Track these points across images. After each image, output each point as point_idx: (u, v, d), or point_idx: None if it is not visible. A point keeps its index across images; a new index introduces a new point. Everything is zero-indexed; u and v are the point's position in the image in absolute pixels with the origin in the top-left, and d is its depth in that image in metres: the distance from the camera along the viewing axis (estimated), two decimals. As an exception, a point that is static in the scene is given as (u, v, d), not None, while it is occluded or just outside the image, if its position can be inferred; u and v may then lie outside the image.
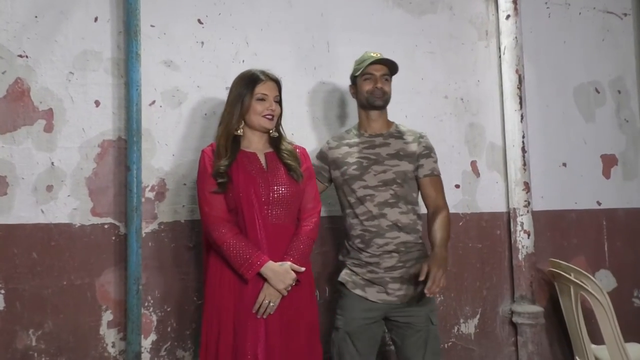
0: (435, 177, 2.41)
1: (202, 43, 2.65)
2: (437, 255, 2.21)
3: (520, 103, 3.23)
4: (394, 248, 2.31)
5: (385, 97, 2.40)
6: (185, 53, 2.61)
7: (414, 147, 2.39)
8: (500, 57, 3.32)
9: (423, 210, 2.45)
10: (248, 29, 2.74)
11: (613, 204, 3.58)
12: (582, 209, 3.48)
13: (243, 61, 2.70)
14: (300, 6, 2.87)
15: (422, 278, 2.13)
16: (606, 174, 3.60)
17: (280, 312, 2.06)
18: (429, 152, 2.41)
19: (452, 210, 3.06)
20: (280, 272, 2.05)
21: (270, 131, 2.21)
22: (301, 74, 2.81)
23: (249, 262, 2.03)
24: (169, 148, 2.55)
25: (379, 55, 2.41)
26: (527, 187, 3.20)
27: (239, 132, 2.17)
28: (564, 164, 3.48)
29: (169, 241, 2.51)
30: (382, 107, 2.41)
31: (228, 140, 2.15)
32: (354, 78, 2.45)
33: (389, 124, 2.47)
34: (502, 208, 3.27)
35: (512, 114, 3.24)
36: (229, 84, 2.62)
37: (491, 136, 3.29)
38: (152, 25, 2.56)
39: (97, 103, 2.44)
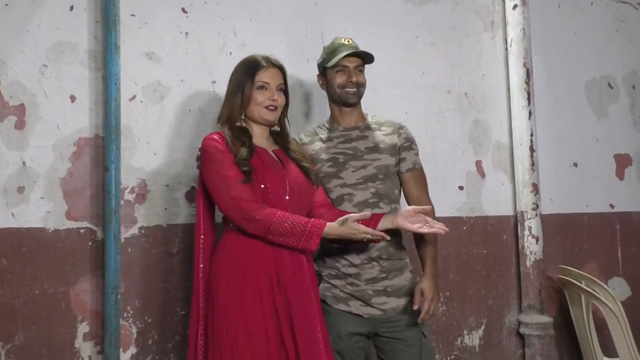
0: (418, 170, 2.36)
1: (187, 34, 2.64)
2: (430, 280, 2.22)
3: (529, 99, 3.25)
4: (375, 255, 2.25)
5: (360, 92, 2.34)
6: (168, 44, 2.60)
7: (394, 139, 2.34)
8: (506, 49, 3.33)
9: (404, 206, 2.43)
10: (236, 19, 2.73)
11: (627, 206, 3.60)
12: (594, 212, 3.50)
13: (230, 53, 2.70)
14: (293, -6, 2.87)
15: (415, 307, 2.18)
16: (620, 174, 3.61)
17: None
18: (410, 144, 2.36)
19: (454, 214, 3.09)
20: (345, 228, 1.97)
21: (275, 125, 2.17)
22: (294, 67, 2.80)
23: (308, 230, 1.93)
24: (151, 147, 2.54)
25: (350, 42, 2.35)
26: (535, 188, 3.21)
27: (241, 123, 2.11)
28: (575, 164, 3.50)
29: (149, 247, 2.50)
30: (356, 104, 2.37)
31: (235, 132, 2.08)
32: (323, 68, 2.36)
33: (364, 115, 2.42)
34: (508, 211, 3.28)
35: (520, 111, 3.25)
36: (215, 78, 2.66)
37: (497, 134, 3.30)
38: (132, 15, 2.54)
39: (72, 98, 2.43)
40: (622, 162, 3.63)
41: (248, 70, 2.12)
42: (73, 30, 2.44)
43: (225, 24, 2.71)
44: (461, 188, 3.18)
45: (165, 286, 2.51)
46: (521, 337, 3.17)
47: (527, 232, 3.19)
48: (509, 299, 3.22)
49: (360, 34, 2.90)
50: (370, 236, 2.01)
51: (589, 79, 3.58)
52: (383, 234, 2.02)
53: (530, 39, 3.28)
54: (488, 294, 3.18)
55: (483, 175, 3.24)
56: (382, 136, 2.35)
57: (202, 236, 2.13)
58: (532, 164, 3.22)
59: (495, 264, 3.22)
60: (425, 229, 2.07)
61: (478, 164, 3.23)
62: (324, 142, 2.37)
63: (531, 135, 3.23)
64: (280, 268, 2.00)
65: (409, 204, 2.31)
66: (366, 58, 2.36)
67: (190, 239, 2.56)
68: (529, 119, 3.24)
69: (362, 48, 2.36)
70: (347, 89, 2.32)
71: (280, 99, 2.13)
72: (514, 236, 3.26)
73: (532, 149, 3.22)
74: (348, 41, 2.35)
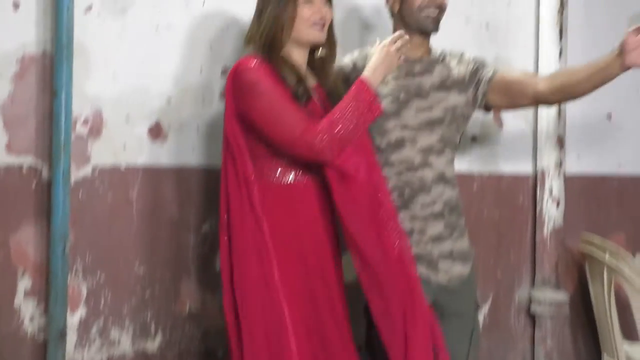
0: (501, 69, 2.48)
1: None
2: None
3: (560, 34, 3.30)
4: (440, 208, 2.37)
5: (439, 19, 2.39)
6: (134, -56, 2.57)
7: (459, 71, 2.42)
8: (539, -27, 3.35)
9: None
10: None
11: (666, 170, 3.72)
12: (626, 174, 3.62)
13: (214, -47, 2.68)
14: None
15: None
16: (661, 130, 3.72)
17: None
18: (479, 65, 2.46)
19: (465, 168, 3.17)
20: (382, 60, 2.10)
21: (320, 47, 2.20)
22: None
23: (364, 102, 2.05)
24: (109, 68, 2.53)
25: None
26: (560, 142, 3.31)
27: (286, 49, 2.15)
28: (609, 116, 3.59)
29: (104, 191, 2.53)
30: (433, 33, 2.43)
31: (283, 62, 2.12)
32: None
33: (429, 47, 2.49)
34: (527, 169, 3.38)
35: (549, 48, 3.31)
36: (195, -14, 2.63)
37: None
38: None
39: (15, 5, 2.39)
40: (665, 116, 3.73)
41: None
42: None
43: None
44: (474, 139, 3.25)
45: (122, 238, 2.56)
46: (531, 317, 3.33)
47: (547, 195, 3.29)
48: (521, 271, 3.36)
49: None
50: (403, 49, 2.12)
51: (634, 13, 3.62)
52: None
53: (569, -39, 3.30)
54: (497, 265, 3.31)
55: (500, 124, 3.32)
56: (448, 71, 2.42)
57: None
58: (559, 113, 3.30)
59: (508, 230, 3.33)
60: None
61: (495, 110, 3.30)
62: None
63: (560, 78, 3.29)
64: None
65: (526, 86, 2.41)
66: None
67: (153, 183, 2.62)
68: (560, 57, 3.30)
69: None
70: (428, 13, 2.34)
71: (329, 14, 2.16)
72: (531, 199, 3.36)
73: (559, 95, 3.29)
74: None
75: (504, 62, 3.31)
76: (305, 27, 2.13)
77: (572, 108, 3.40)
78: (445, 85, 2.41)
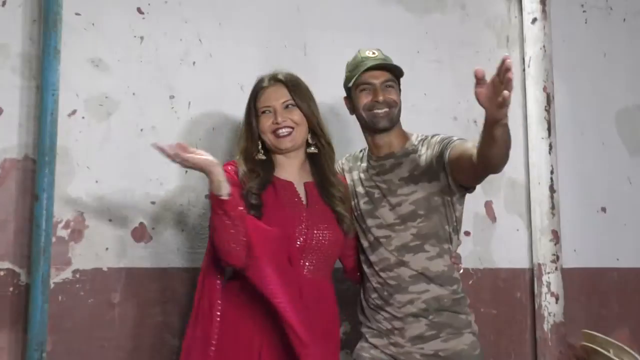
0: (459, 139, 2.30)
1: (142, 38, 2.68)
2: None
3: (549, 129, 3.32)
4: (421, 307, 2.25)
5: (392, 113, 2.31)
6: (119, 50, 2.64)
7: (427, 156, 2.31)
8: (524, 70, 3.41)
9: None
10: (202, 23, 2.78)
11: (666, 261, 3.65)
12: (625, 267, 3.54)
13: (194, 63, 2.74)
14: (271, -3, 2.93)
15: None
16: (656, 223, 3.68)
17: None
18: (441, 138, 2.31)
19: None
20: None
21: (310, 147, 2.24)
22: (269, 83, 2.86)
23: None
24: (92, 172, 2.55)
25: (377, 54, 2.37)
26: (556, 237, 3.26)
27: (259, 156, 2.21)
28: (603, 209, 3.56)
29: (86, 295, 2.49)
30: (388, 129, 2.35)
31: (251, 164, 2.19)
32: (347, 89, 2.40)
33: (406, 138, 2.41)
34: (524, 263, 3.32)
35: (538, 143, 3.32)
36: (175, 91, 2.70)
37: (511, 170, 3.35)
38: (77, 14, 2.58)
39: (-1, 110, 2.45)
40: (660, 207, 3.70)
41: (251, 97, 2.25)
42: (4, 30, 2.47)
43: (188, 29, 2.76)
44: (467, 234, 3.21)
45: (103, 344, 2.50)
46: (536, 419, 3.19)
47: (545, 289, 3.22)
48: (523, 371, 3.24)
49: (350, 46, 2.95)
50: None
51: (620, 108, 3.67)
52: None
53: (552, 58, 3.36)
54: (497, 364, 3.20)
55: (494, 219, 3.29)
56: (418, 158, 2.32)
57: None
58: (552, 207, 3.27)
59: (507, 327, 3.24)
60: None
61: (488, 205, 3.28)
62: (361, 171, 2.42)
63: (551, 172, 3.29)
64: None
65: (473, 157, 2.10)
66: (396, 71, 2.36)
67: (136, 286, 2.57)
68: (549, 153, 3.30)
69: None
70: (375, 111, 2.31)
71: (290, 117, 2.17)
72: (529, 294, 3.29)
73: (552, 189, 3.28)
74: (373, 53, 2.37)
75: (494, 157, 3.31)
76: (269, 136, 2.19)
77: (566, 202, 3.37)
78: (414, 176, 2.32)
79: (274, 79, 2.23)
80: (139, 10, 2.69)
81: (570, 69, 3.55)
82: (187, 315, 2.57)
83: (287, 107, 2.19)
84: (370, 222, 2.34)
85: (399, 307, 2.27)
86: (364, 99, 2.33)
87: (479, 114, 3.27)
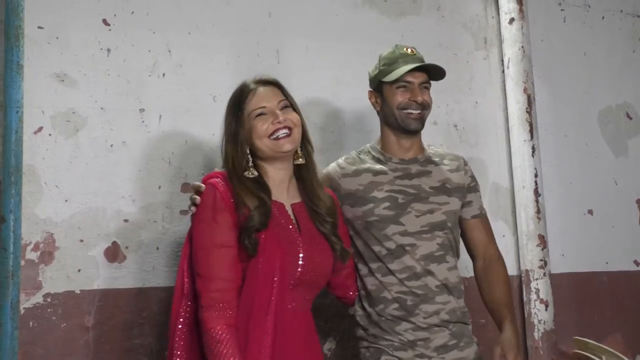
0: (485, 216, 2.51)
1: (109, 51, 2.67)
2: (511, 336, 2.30)
3: (531, 132, 3.33)
4: (445, 318, 2.29)
5: (424, 116, 2.37)
6: (85, 64, 2.62)
7: (461, 178, 2.42)
8: (503, 72, 3.43)
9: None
10: (170, 33, 2.77)
11: (655, 263, 3.67)
12: (615, 270, 3.56)
13: (163, 75, 2.73)
14: (241, 3, 2.92)
15: None
16: (644, 223, 3.70)
17: None
18: (475, 184, 2.49)
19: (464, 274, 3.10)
20: None
21: (298, 157, 2.12)
22: (242, 93, 2.85)
23: None
24: (61, 191, 2.53)
25: (415, 52, 2.40)
26: (543, 242, 3.27)
27: (251, 173, 2.05)
28: (590, 212, 3.58)
29: (58, 320, 2.46)
30: (419, 131, 2.41)
31: (246, 184, 2.04)
32: (378, 82, 2.41)
33: (423, 146, 2.47)
34: (511, 270, 3.29)
35: (521, 146, 3.34)
36: (145, 105, 2.68)
37: (495, 175, 3.37)
38: (40, 27, 2.56)
39: (-40, 130, 2.42)
40: (647, 208, 3.73)
41: (236, 102, 2.10)
42: (-37, 46, 2.44)
43: (156, 39, 2.75)
44: (452, 242, 3.21)
45: (77, 371, 2.46)
46: None
47: (533, 296, 3.23)
48: (515, 381, 3.23)
49: (325, 51, 2.99)
50: None
51: (602, 108, 3.70)
52: None
53: (531, 59, 3.39)
54: (488, 375, 3.18)
55: (479, 225, 3.29)
56: (448, 172, 2.40)
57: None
58: (538, 211, 3.29)
59: (497, 337, 3.21)
60: None
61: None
62: (374, 174, 2.37)
63: (535, 175, 3.30)
64: None
65: (474, 254, 2.48)
66: (434, 73, 2.39)
67: (111, 308, 2.53)
68: (532, 156, 3.32)
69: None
70: (410, 111, 2.33)
71: (290, 117, 2.07)
72: (518, 301, 3.28)
73: (537, 193, 3.29)
74: (412, 51, 2.41)
75: (477, 162, 3.33)
76: (264, 142, 2.06)
77: (552, 206, 3.39)
78: (445, 188, 2.38)
79: (262, 81, 2.12)
80: (104, 21, 2.67)
81: (551, 69, 3.58)
82: (165, 336, 2.56)
83: (284, 107, 2.08)
84: (392, 228, 2.31)
85: (424, 317, 2.28)
86: (400, 97, 2.35)
87: (460, 118, 3.33)
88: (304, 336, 2.09)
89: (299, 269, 2.04)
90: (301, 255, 2.05)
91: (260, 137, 2.05)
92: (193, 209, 2.06)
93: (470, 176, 2.49)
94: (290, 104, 2.12)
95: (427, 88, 2.40)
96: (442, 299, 2.31)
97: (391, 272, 2.31)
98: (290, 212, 2.12)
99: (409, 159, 2.40)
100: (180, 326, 2.04)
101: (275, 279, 1.99)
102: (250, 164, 2.07)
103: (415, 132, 2.39)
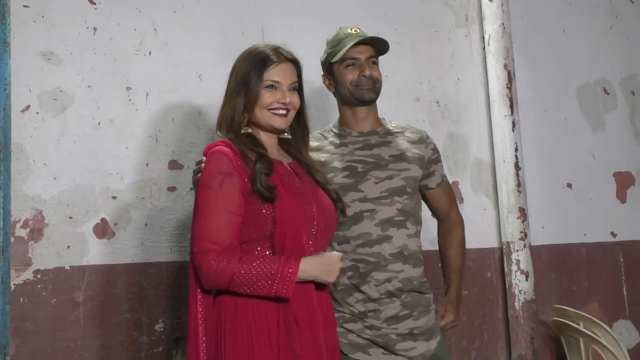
0: (447, 183, 2.55)
1: (95, 29, 2.65)
2: (454, 299, 2.47)
3: (512, 107, 3.35)
4: (397, 287, 2.28)
5: (377, 87, 2.38)
6: (72, 42, 2.60)
7: (421, 150, 2.45)
8: (484, 48, 3.44)
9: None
10: (156, 12, 2.76)
11: (632, 235, 3.72)
12: (593, 242, 3.61)
13: (150, 53, 2.72)
14: (226, -18, 2.92)
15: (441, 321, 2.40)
16: (621, 196, 3.75)
17: None
18: (437, 155, 2.51)
19: (427, 247, 3.13)
20: (323, 261, 1.96)
21: (285, 132, 2.12)
22: (227, 70, 2.83)
23: (278, 276, 1.87)
24: (49, 169, 2.52)
25: (359, 31, 2.40)
26: (523, 214, 3.30)
27: (248, 130, 2.06)
28: (569, 185, 3.61)
29: (48, 295, 2.47)
30: (373, 101, 2.42)
31: (244, 140, 2.02)
32: (328, 65, 2.41)
33: (380, 119, 2.49)
34: (492, 243, 3.36)
35: (502, 121, 3.36)
36: (131, 83, 2.67)
37: (476, 150, 3.40)
38: (25, 6, 2.54)
39: (-52, 109, 2.40)
40: (623, 181, 3.77)
41: (255, 64, 2.06)
42: (-51, 25, 2.42)
43: (142, 18, 2.73)
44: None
45: (67, 345, 2.47)
46: (511, 396, 3.23)
47: (514, 267, 3.26)
48: (496, 350, 3.28)
49: (309, 29, 2.98)
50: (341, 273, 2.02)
51: (581, 84, 3.73)
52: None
53: (512, 36, 3.40)
54: (471, 345, 3.23)
55: (461, 199, 3.31)
56: (408, 144, 2.43)
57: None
58: (518, 185, 3.31)
59: (479, 308, 3.27)
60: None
61: (454, 186, 3.30)
62: (336, 147, 2.40)
63: (516, 150, 3.33)
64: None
65: (438, 218, 2.58)
66: (380, 47, 2.41)
67: (100, 283, 2.54)
68: (513, 131, 3.34)
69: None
70: (362, 86, 2.35)
71: (294, 100, 2.08)
72: (499, 273, 3.33)
73: (517, 167, 3.32)
74: (356, 30, 2.40)
75: (459, 138, 3.36)
76: (264, 113, 2.06)
77: (532, 179, 3.42)
78: (405, 156, 2.40)
79: (285, 56, 2.09)
80: (90, 0, 2.65)
81: (530, 45, 3.60)
82: (154, 311, 2.60)
83: (293, 88, 2.09)
84: (352, 195, 2.31)
85: (376, 285, 2.28)
86: (350, 75, 2.36)
87: (442, 94, 3.34)
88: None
89: (316, 218, 2.04)
90: (314, 204, 2.06)
91: (261, 107, 2.06)
92: (199, 176, 2.02)
93: (432, 149, 2.49)
94: (297, 87, 2.13)
95: (375, 63, 2.41)
96: (396, 267, 2.29)
97: (346, 240, 2.32)
98: (289, 168, 2.13)
99: (367, 132, 2.43)
100: (199, 299, 1.97)
101: (314, 230, 2.02)
102: (245, 121, 2.08)
103: (369, 102, 2.41)
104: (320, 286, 2.03)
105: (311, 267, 1.94)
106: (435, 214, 2.59)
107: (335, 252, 2.02)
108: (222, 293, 1.94)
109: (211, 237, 1.90)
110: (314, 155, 2.32)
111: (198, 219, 1.93)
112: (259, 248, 1.96)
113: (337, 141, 2.41)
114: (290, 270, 1.90)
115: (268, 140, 2.11)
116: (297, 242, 1.96)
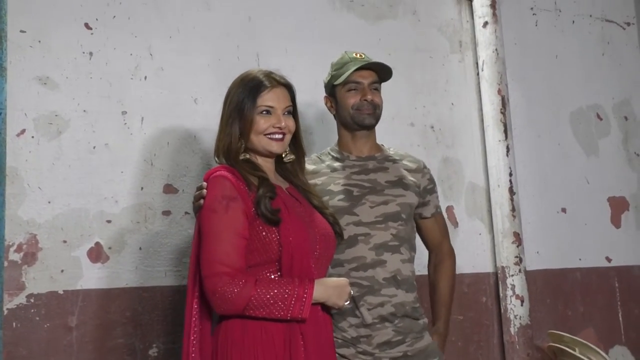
0: (440, 215, 2.57)
1: (91, 54, 2.66)
2: (441, 333, 2.45)
3: (505, 132, 3.36)
4: (390, 311, 2.28)
5: (377, 113, 2.42)
6: (68, 67, 2.61)
7: (418, 178, 2.47)
8: (478, 74, 3.46)
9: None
10: (152, 36, 2.77)
11: (626, 259, 3.71)
12: (588, 266, 3.60)
13: (145, 77, 2.72)
14: (222, 8, 2.93)
15: None
16: (616, 221, 3.75)
17: None
18: (433, 186, 2.54)
19: (422, 272, 3.11)
20: (335, 284, 2.01)
21: (284, 154, 2.14)
22: (222, 95, 2.83)
23: (295, 297, 1.89)
24: (44, 193, 2.51)
25: (364, 56, 2.44)
26: (517, 239, 3.29)
27: (246, 156, 2.08)
28: (563, 210, 3.61)
29: (41, 320, 2.44)
30: (373, 126, 2.45)
31: (246, 165, 2.05)
32: (331, 87, 2.45)
33: (379, 145, 2.52)
34: (487, 267, 3.35)
35: (496, 146, 3.36)
36: (126, 107, 2.67)
37: (471, 174, 3.40)
38: (22, 31, 2.55)
39: (-57, 132, 2.39)
40: (618, 206, 3.77)
41: (249, 91, 2.08)
42: (-54, 49, 2.42)
43: (138, 43, 2.74)
44: (430, 240, 3.22)
45: (61, 370, 2.44)
46: (508, 422, 3.20)
47: (509, 292, 3.25)
48: (492, 375, 3.25)
49: (304, 54, 2.99)
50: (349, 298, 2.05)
51: (574, 109, 3.74)
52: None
53: (505, 61, 3.43)
54: (466, 370, 3.20)
55: (456, 224, 3.31)
56: (405, 171, 2.46)
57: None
58: (513, 210, 3.31)
59: (474, 333, 3.25)
60: None
61: (449, 210, 3.30)
62: (332, 171, 2.41)
63: (510, 175, 3.33)
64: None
65: (430, 249, 2.58)
66: (383, 74, 2.45)
67: (94, 308, 2.52)
68: (507, 155, 3.35)
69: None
70: (363, 110, 2.38)
71: (289, 124, 2.10)
72: (494, 298, 3.31)
73: (512, 192, 3.32)
74: (360, 55, 2.44)
75: (454, 162, 3.36)
76: (260, 139, 2.08)
77: (526, 204, 3.43)
78: (402, 182, 2.42)
79: (277, 80, 2.12)
80: (86, 25, 2.66)
81: (524, 71, 3.62)
82: (148, 336, 2.57)
83: (287, 112, 2.12)
84: (347, 218, 2.32)
85: (368, 309, 2.27)
86: (352, 99, 2.40)
87: (436, 119, 3.35)
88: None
89: (318, 241, 2.05)
90: (316, 230, 2.07)
91: (257, 133, 2.08)
92: (201, 202, 2.01)
93: (428, 179, 2.52)
94: (291, 111, 2.15)
95: (377, 89, 2.45)
96: (389, 292, 2.30)
97: (340, 263, 2.32)
98: (288, 193, 2.14)
99: (365, 157, 2.45)
100: (194, 326, 1.98)
101: (316, 253, 2.03)
102: (243, 148, 2.10)
103: (369, 127, 2.43)
104: (326, 308, 2.05)
105: (324, 289, 1.98)
106: (427, 244, 2.58)
107: (343, 278, 2.07)
108: (228, 317, 1.94)
109: (222, 260, 1.91)
110: (308, 179, 2.33)
111: (206, 243, 1.94)
112: (265, 272, 1.97)
113: (335, 164, 2.43)
114: (306, 292, 1.92)
115: (266, 165, 2.13)
116: (304, 264, 1.98)
